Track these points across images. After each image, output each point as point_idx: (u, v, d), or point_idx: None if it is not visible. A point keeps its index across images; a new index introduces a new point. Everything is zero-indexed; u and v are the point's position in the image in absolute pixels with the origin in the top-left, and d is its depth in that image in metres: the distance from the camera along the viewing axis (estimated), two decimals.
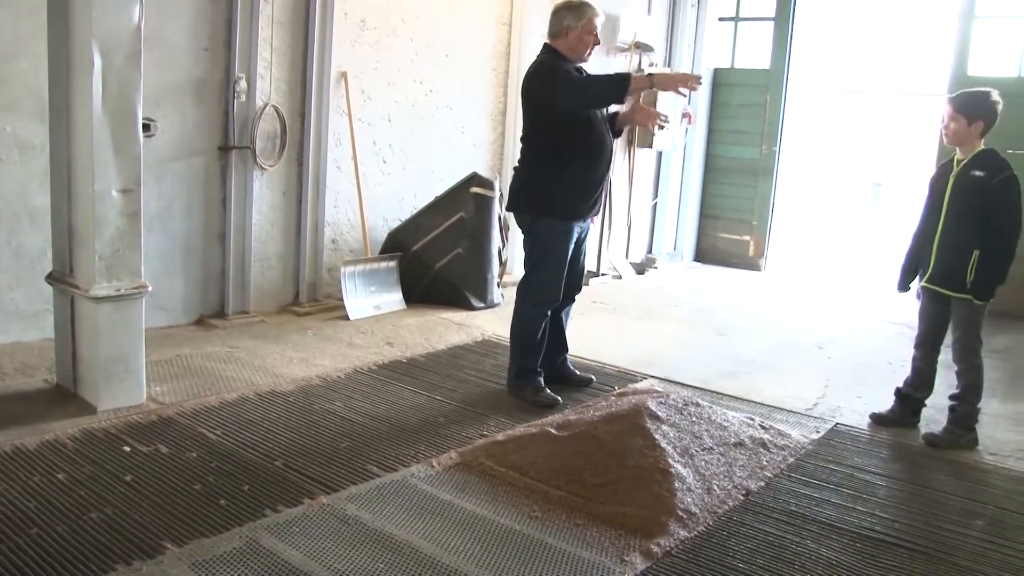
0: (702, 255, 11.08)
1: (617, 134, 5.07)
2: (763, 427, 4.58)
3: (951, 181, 4.66)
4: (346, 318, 6.52)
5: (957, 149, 4.70)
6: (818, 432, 4.79)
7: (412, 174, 7.53)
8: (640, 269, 9.88)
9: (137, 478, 3.60)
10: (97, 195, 4.16)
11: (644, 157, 10.13)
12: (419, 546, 3.21)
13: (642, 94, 5.01)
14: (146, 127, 4.58)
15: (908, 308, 8.24)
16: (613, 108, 5.10)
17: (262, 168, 6.27)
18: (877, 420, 5.01)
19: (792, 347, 6.77)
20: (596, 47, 4.87)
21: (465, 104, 7.93)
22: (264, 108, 6.18)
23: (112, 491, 3.47)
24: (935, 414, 4.95)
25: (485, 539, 3.32)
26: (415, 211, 7.36)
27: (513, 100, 8.16)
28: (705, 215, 11.07)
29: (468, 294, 7.17)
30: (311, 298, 6.78)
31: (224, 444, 4.03)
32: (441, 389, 5.08)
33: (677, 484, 3.67)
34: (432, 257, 7.14)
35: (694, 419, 4.28)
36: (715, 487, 3.81)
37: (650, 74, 4.63)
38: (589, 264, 8.57)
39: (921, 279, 4.86)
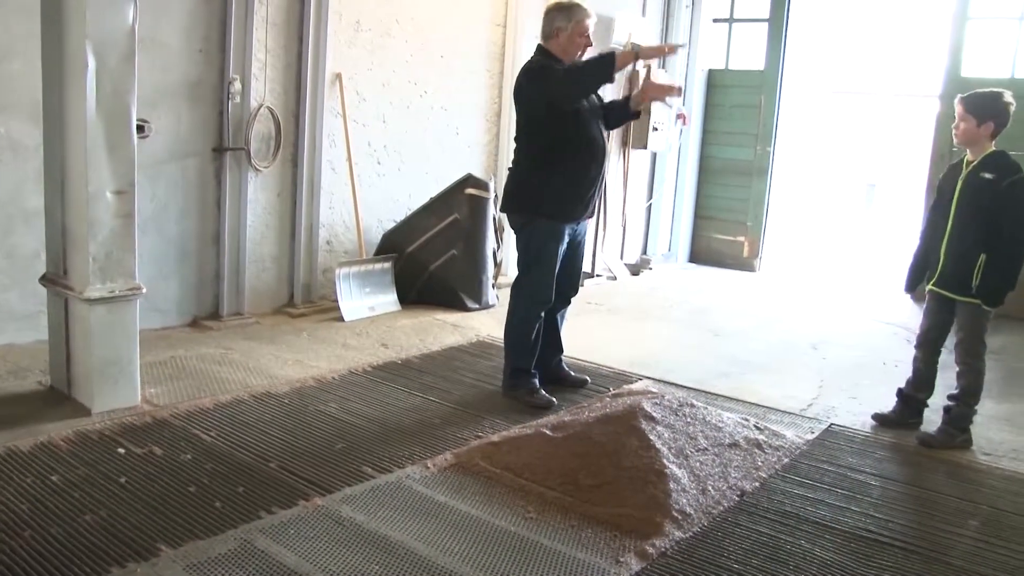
0: (697, 256, 11.08)
1: (635, 116, 5.10)
2: (758, 428, 4.59)
3: (960, 183, 4.64)
4: (341, 319, 6.51)
5: (967, 150, 4.69)
6: (812, 432, 4.79)
7: (407, 175, 7.53)
8: (635, 270, 9.89)
9: (131, 480, 3.60)
10: (91, 196, 4.15)
11: (639, 158, 10.14)
12: (414, 547, 3.21)
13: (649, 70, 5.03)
14: (140, 128, 4.58)
15: (902, 309, 8.31)
16: (608, 99, 5.10)
17: (257, 169, 6.26)
18: (879, 421, 5.01)
19: (786, 348, 6.79)
20: (589, 48, 4.87)
21: (460, 105, 7.93)
22: (259, 109, 6.17)
23: (106, 493, 3.47)
24: (934, 415, 4.95)
25: (480, 540, 3.32)
26: (410, 212, 7.36)
27: (508, 101, 8.16)
28: (700, 216, 11.08)
29: (463, 295, 7.17)
30: (306, 299, 6.77)
31: (219, 446, 4.02)
32: (436, 390, 5.07)
33: (672, 485, 3.67)
34: (427, 258, 7.13)
35: (689, 420, 4.29)
36: (710, 488, 3.81)
37: (635, 45, 4.61)
38: (584, 265, 8.59)
39: (928, 281, 4.85)
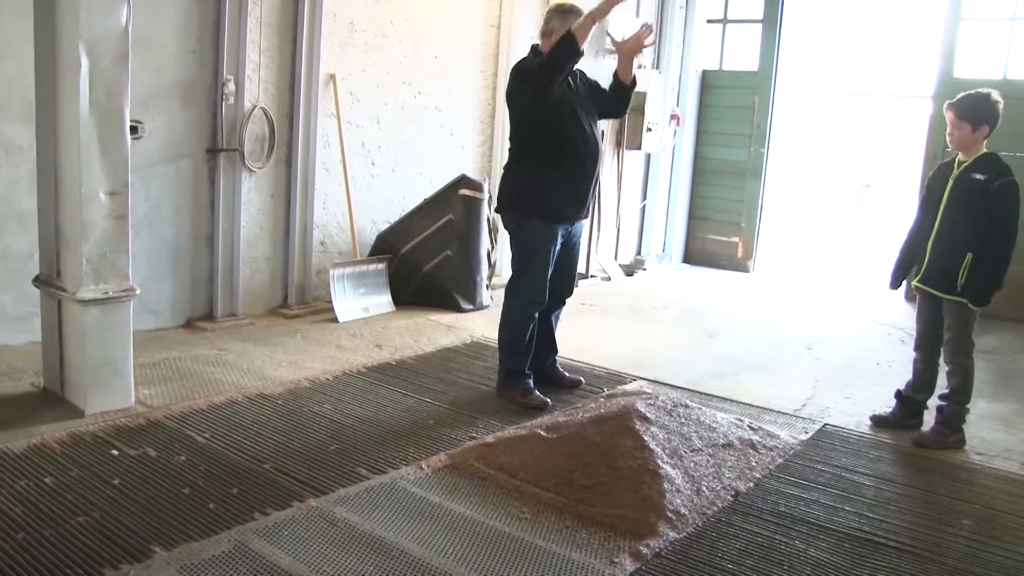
0: (691, 257, 11.10)
1: (630, 86, 5.08)
2: (752, 428, 4.60)
3: (951, 182, 4.66)
4: (335, 320, 6.51)
5: (958, 151, 4.70)
6: (806, 433, 4.80)
7: (401, 176, 7.53)
8: (629, 271, 9.90)
9: (125, 482, 3.59)
10: (84, 197, 4.14)
11: (633, 159, 10.15)
12: (408, 548, 3.21)
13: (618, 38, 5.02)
14: (134, 129, 4.56)
15: (895, 309, 8.33)
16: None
17: (250, 170, 6.26)
18: (877, 422, 5.02)
19: (781, 348, 6.79)
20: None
21: (454, 106, 7.93)
22: (252, 110, 6.17)
23: (100, 495, 3.46)
24: (930, 416, 4.96)
25: (474, 541, 3.32)
26: (404, 213, 7.36)
27: (501, 102, 8.14)
28: (694, 217, 11.09)
29: (457, 296, 7.17)
30: (300, 300, 6.77)
31: (213, 447, 4.02)
32: (430, 391, 5.07)
33: (666, 485, 3.67)
34: (421, 259, 7.13)
35: (683, 420, 4.29)
36: (704, 488, 3.82)
37: (589, 13, 4.59)
38: (579, 266, 8.59)
39: (914, 278, 4.87)
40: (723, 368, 6.07)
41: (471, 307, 7.20)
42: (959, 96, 4.65)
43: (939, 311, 4.77)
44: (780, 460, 4.33)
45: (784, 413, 5.14)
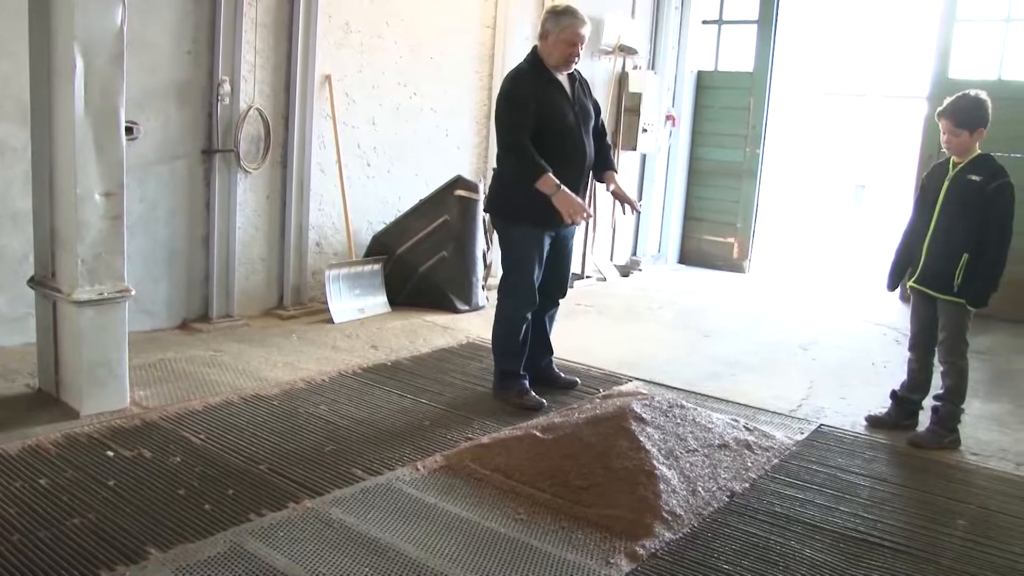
0: (686, 257, 11.10)
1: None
2: (747, 429, 4.60)
3: (946, 183, 4.66)
4: (330, 321, 6.50)
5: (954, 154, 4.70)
6: (802, 433, 4.81)
7: (396, 177, 7.53)
8: (624, 271, 9.91)
9: (120, 483, 3.58)
10: (79, 198, 4.14)
11: (628, 160, 10.15)
12: (404, 549, 3.21)
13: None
14: (129, 130, 4.57)
15: (891, 309, 8.35)
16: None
17: (246, 171, 6.25)
18: (872, 422, 5.02)
19: (776, 348, 6.80)
20: (575, 60, 4.79)
21: (450, 107, 7.93)
22: (248, 111, 6.16)
23: (95, 496, 3.45)
24: (925, 416, 4.97)
25: (470, 542, 3.32)
26: (399, 214, 7.36)
27: None
28: (689, 217, 11.10)
29: (453, 297, 7.17)
30: (295, 301, 6.76)
31: (208, 448, 4.01)
32: (426, 392, 5.07)
33: (662, 486, 3.67)
34: (417, 260, 7.13)
35: (679, 421, 4.29)
36: (700, 489, 3.82)
37: (558, 186, 4.59)
38: (574, 266, 8.59)
39: (910, 278, 4.88)
40: (719, 369, 6.07)
41: (467, 308, 7.20)
42: (949, 102, 4.62)
43: (934, 311, 4.78)
44: (776, 460, 4.34)
45: (780, 413, 5.14)
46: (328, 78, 6.71)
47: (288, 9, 6.36)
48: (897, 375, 5.33)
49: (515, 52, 7.43)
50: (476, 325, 6.72)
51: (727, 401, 5.30)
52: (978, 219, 4.53)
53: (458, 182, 7.20)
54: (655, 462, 3.80)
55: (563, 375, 5.37)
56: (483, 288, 7.48)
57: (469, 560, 3.18)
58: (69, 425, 4.14)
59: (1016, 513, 3.93)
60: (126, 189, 4.36)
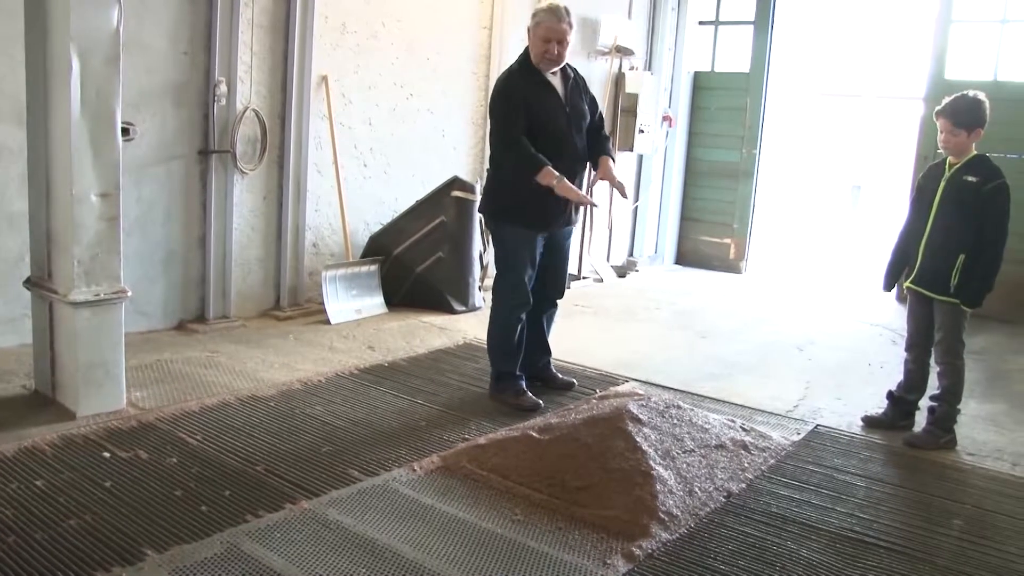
0: (683, 258, 11.11)
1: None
2: (744, 429, 4.60)
3: (942, 184, 4.67)
4: (327, 322, 6.50)
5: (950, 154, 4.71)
6: (798, 434, 4.81)
7: (393, 178, 7.52)
8: (621, 272, 9.91)
9: (117, 484, 3.58)
10: (76, 199, 4.14)
11: (625, 160, 10.15)
12: (400, 550, 3.21)
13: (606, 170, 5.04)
14: (125, 131, 4.56)
15: (887, 310, 8.36)
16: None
17: (242, 172, 6.25)
18: (869, 423, 5.03)
19: (773, 349, 6.81)
20: (551, 59, 4.74)
21: (446, 107, 7.93)
22: (244, 112, 6.16)
23: (91, 497, 3.45)
24: (921, 416, 4.98)
25: (467, 543, 3.32)
26: (396, 215, 7.36)
27: None
28: (686, 218, 11.11)
29: (449, 298, 7.17)
30: (292, 302, 6.76)
31: (205, 449, 4.01)
32: (422, 393, 5.07)
33: (658, 487, 3.68)
34: (413, 261, 7.13)
35: (675, 421, 4.30)
36: (696, 489, 3.82)
37: (559, 177, 4.55)
38: (571, 267, 8.58)
39: (906, 279, 4.89)
40: (715, 369, 6.08)
41: (463, 309, 7.20)
42: (947, 102, 4.63)
43: (930, 311, 4.79)
44: (772, 461, 4.34)
45: (776, 414, 5.15)
46: (325, 79, 6.71)
47: (284, 10, 6.36)
48: (893, 376, 5.34)
49: (511, 53, 7.42)
50: (472, 326, 6.72)
51: (724, 402, 5.30)
52: (974, 220, 4.54)
53: (455, 183, 7.20)
54: (651, 463, 3.81)
55: (560, 376, 5.37)
56: (479, 289, 7.48)
57: (466, 561, 3.18)
58: (65, 426, 4.13)
59: (1012, 513, 3.94)
60: (122, 190, 4.35)
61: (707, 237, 10.94)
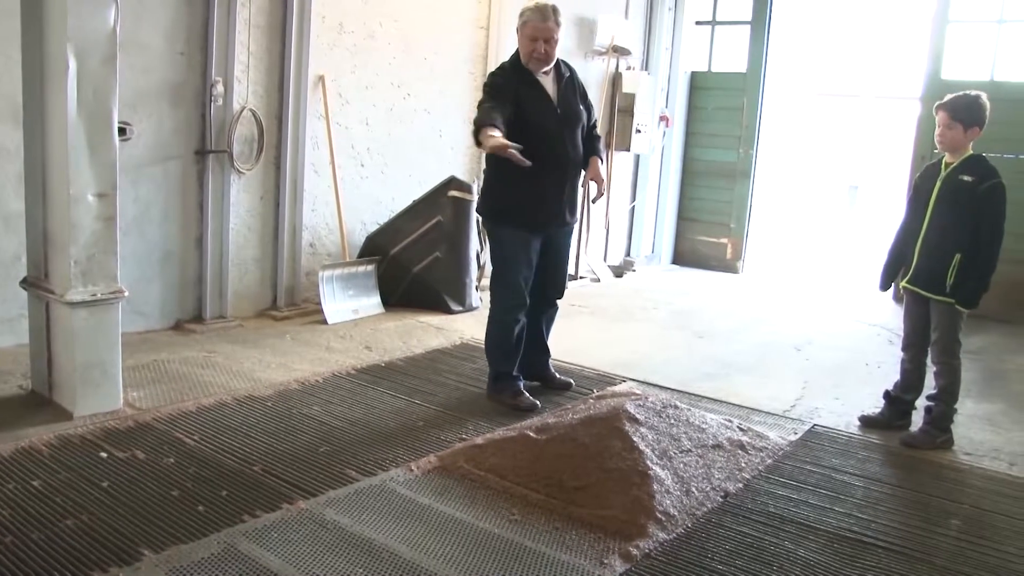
0: (680, 258, 11.12)
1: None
2: (741, 429, 4.61)
3: (938, 184, 4.68)
4: (324, 322, 6.50)
5: (946, 152, 4.72)
6: (796, 433, 4.81)
7: (390, 177, 7.52)
8: (618, 272, 9.91)
9: (114, 484, 3.58)
10: (72, 199, 4.13)
11: (622, 160, 10.17)
12: (398, 550, 3.20)
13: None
14: (122, 131, 4.56)
15: (884, 309, 8.36)
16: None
17: (239, 172, 6.24)
18: (866, 423, 5.03)
19: (770, 349, 6.81)
20: (539, 59, 4.72)
21: (443, 107, 7.93)
22: (241, 112, 6.15)
23: (88, 498, 3.44)
24: (918, 416, 4.98)
25: (464, 543, 3.32)
26: (393, 215, 7.35)
27: None
28: (683, 218, 11.12)
29: (446, 297, 7.16)
30: (289, 302, 6.75)
31: (202, 449, 4.01)
32: (420, 393, 5.07)
33: (656, 486, 3.68)
34: (410, 261, 7.13)
35: (672, 421, 4.30)
36: (694, 489, 3.82)
37: (490, 137, 4.37)
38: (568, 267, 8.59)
39: (902, 279, 4.89)
40: (712, 369, 6.08)
41: (460, 308, 7.20)
42: (950, 97, 4.66)
43: (927, 311, 4.80)
44: (769, 461, 4.34)
45: (773, 414, 5.15)
46: (322, 79, 6.71)
47: (281, 10, 6.35)
48: (890, 375, 5.34)
49: (508, 53, 7.36)
50: (470, 326, 6.72)
51: (721, 401, 5.30)
52: (970, 219, 4.54)
53: (452, 183, 7.20)
54: (649, 462, 3.80)
55: (557, 375, 5.37)
56: (477, 289, 7.48)
57: (463, 561, 3.18)
58: (62, 426, 4.13)
59: (1009, 513, 3.94)
60: (119, 190, 4.35)
61: (704, 237, 10.95)
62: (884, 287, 5.05)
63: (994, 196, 4.52)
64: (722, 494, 3.89)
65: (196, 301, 6.19)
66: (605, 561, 3.24)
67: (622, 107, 9.61)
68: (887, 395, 5.06)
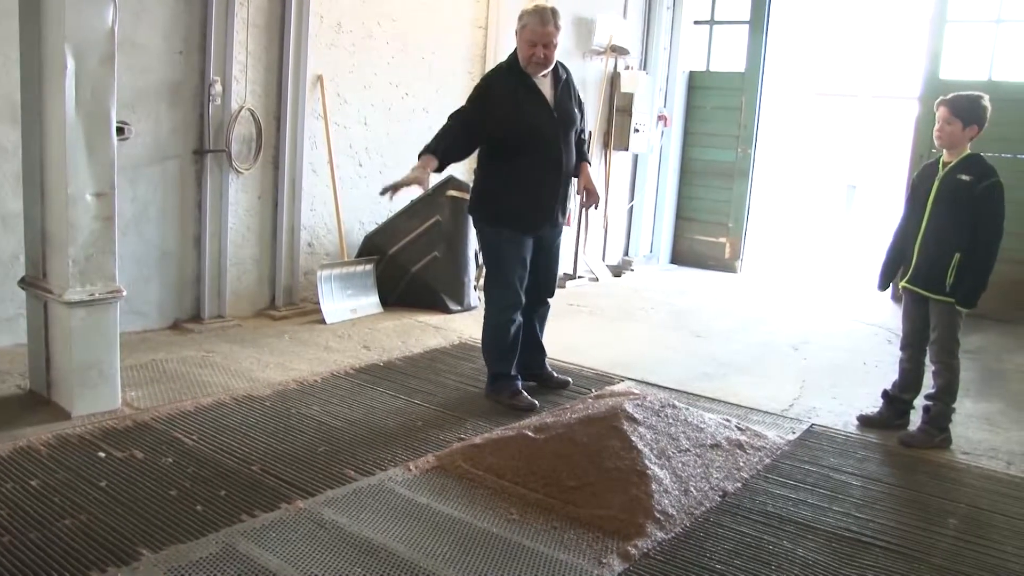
0: (678, 257, 11.13)
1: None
2: (739, 428, 4.61)
3: (936, 183, 4.68)
4: (323, 322, 6.50)
5: (943, 151, 4.73)
6: (794, 433, 4.82)
7: (389, 177, 7.43)
8: (617, 271, 9.91)
9: (112, 484, 3.57)
10: (71, 199, 4.13)
11: (620, 160, 10.17)
12: (396, 550, 3.20)
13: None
14: (120, 131, 4.55)
15: (882, 309, 8.37)
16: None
17: (238, 172, 6.24)
18: (864, 422, 5.03)
19: (768, 348, 6.82)
20: (537, 63, 4.69)
21: (442, 107, 7.89)
22: (239, 111, 6.15)
23: (87, 497, 3.44)
24: (917, 415, 4.98)
25: (463, 542, 3.32)
26: (391, 214, 7.34)
27: None
28: (681, 217, 11.12)
29: (445, 297, 7.16)
30: (287, 302, 6.75)
31: (200, 449, 4.00)
32: (418, 393, 5.07)
33: (654, 486, 3.68)
34: (408, 260, 7.13)
35: (671, 421, 4.30)
36: (692, 488, 3.82)
37: (419, 168, 4.81)
38: (566, 267, 8.60)
39: (901, 278, 4.89)
40: (711, 369, 6.08)
41: (459, 308, 7.20)
42: (952, 95, 4.67)
43: (925, 311, 4.80)
44: (768, 460, 4.35)
45: (772, 413, 5.15)
46: (320, 78, 6.71)
47: (280, 9, 6.35)
48: (888, 375, 5.35)
49: (506, 52, 7.35)
50: (468, 325, 6.71)
51: (719, 401, 5.31)
52: (968, 218, 4.55)
53: (450, 182, 7.20)
54: (647, 462, 3.81)
55: (555, 375, 5.36)
56: (475, 288, 7.48)
57: (461, 560, 3.18)
58: (60, 426, 4.12)
59: (1007, 512, 3.94)
60: (117, 190, 4.35)
61: (702, 236, 10.95)
62: (883, 287, 5.05)
63: (992, 195, 4.52)
64: (720, 493, 3.89)
65: (194, 301, 6.19)
66: (603, 560, 3.24)
67: (620, 107, 9.61)
68: (885, 394, 5.06)
